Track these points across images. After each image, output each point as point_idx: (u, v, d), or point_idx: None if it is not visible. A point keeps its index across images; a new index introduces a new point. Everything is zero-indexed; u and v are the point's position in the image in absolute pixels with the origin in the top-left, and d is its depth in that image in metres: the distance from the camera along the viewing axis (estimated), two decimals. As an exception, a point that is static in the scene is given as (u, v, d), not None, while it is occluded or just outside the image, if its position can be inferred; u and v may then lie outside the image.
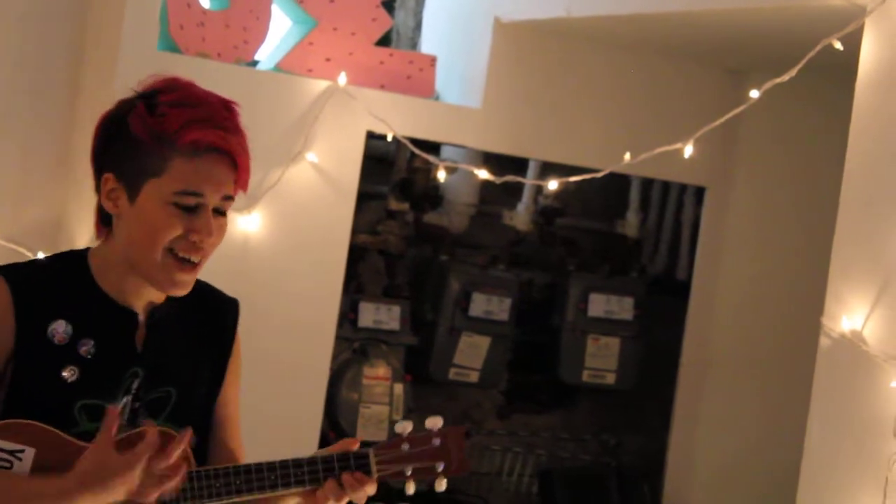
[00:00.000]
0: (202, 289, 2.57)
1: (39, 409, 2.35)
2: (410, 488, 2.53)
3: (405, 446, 2.51)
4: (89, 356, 2.40)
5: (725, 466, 5.87)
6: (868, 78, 3.62)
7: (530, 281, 6.19)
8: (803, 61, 3.77)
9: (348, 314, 5.60)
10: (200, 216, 2.43)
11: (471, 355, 5.85)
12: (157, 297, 2.49)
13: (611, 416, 6.33)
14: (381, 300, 5.76)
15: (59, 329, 2.39)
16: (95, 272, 2.46)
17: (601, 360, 6.05)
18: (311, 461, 2.48)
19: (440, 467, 2.51)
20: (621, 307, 6.06)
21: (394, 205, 5.88)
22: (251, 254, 5.00)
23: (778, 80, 3.86)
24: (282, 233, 5.05)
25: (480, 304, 5.83)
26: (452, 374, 5.85)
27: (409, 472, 2.50)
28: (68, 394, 2.38)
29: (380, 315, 5.70)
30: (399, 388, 5.60)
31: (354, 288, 5.75)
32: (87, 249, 2.50)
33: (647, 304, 6.10)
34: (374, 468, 2.48)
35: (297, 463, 2.47)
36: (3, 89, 4.90)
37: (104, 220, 2.48)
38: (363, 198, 5.42)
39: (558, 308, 6.11)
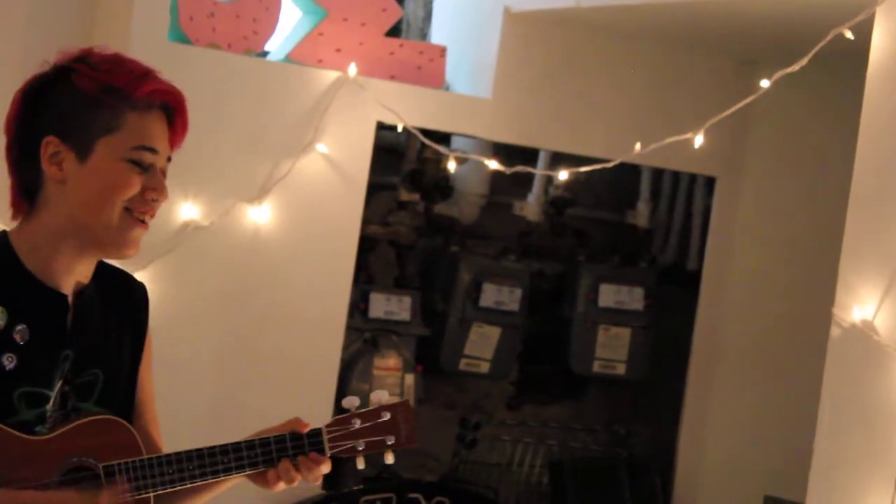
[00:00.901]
0: (114, 270, 2.52)
1: None
2: (361, 463, 2.52)
3: (356, 422, 2.50)
4: (23, 342, 2.33)
5: (736, 456, 5.86)
6: (879, 67, 3.62)
7: (541, 271, 6.19)
8: (814, 51, 3.76)
9: (359, 305, 5.61)
10: (154, 174, 2.39)
11: (481, 346, 5.85)
12: (84, 275, 2.43)
13: (621, 406, 6.33)
14: (392, 291, 5.76)
15: None
16: (21, 254, 2.37)
17: (611, 350, 6.05)
18: (264, 442, 2.46)
19: (390, 441, 2.51)
20: (632, 297, 6.06)
21: (404, 195, 5.88)
22: (261, 245, 5.01)
23: (788, 70, 3.85)
24: (292, 224, 5.05)
25: (491, 295, 5.83)
26: (463, 364, 5.85)
27: (361, 448, 2.50)
28: (7, 381, 2.31)
29: (390, 306, 5.70)
30: (410, 379, 5.60)
31: (365, 278, 5.75)
32: (4, 232, 2.41)
33: (657, 294, 6.09)
34: (327, 446, 2.48)
35: (250, 445, 2.45)
36: (12, 80, 4.88)
37: (25, 196, 2.40)
38: (373, 188, 5.42)
39: (569, 298, 6.11)
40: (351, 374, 5.50)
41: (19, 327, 2.33)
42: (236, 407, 4.85)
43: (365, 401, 2.53)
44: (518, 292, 5.86)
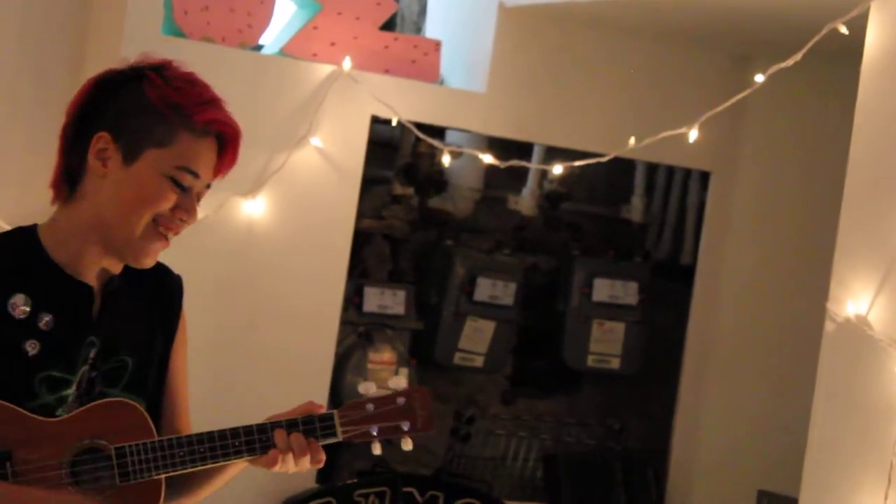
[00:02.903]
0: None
1: (1, 383, 2.35)
2: (377, 449, 2.52)
3: (369, 406, 2.50)
4: (48, 329, 2.39)
5: (730, 451, 5.87)
6: (873, 62, 3.62)
7: (535, 265, 6.18)
8: (808, 46, 3.76)
9: (353, 299, 5.61)
10: (189, 197, 2.44)
11: (476, 340, 5.85)
12: (113, 266, 2.48)
13: (615, 400, 6.33)
14: (386, 285, 5.76)
15: (19, 303, 2.39)
16: (48, 245, 2.44)
17: (606, 344, 6.05)
18: (276, 425, 2.47)
19: (406, 426, 2.51)
20: (626, 292, 6.06)
21: (398, 189, 5.88)
22: (256, 238, 5.01)
23: (783, 65, 3.86)
24: (286, 217, 5.06)
25: (485, 289, 5.83)
26: (457, 358, 5.85)
27: (374, 432, 2.50)
28: (29, 367, 2.37)
29: (385, 300, 5.70)
30: (404, 373, 5.60)
31: (359, 272, 5.75)
32: (35, 226, 2.47)
33: (651, 288, 6.10)
34: (339, 430, 2.48)
35: (262, 428, 2.47)
36: (7, 74, 4.90)
37: (66, 181, 2.46)
38: (368, 182, 5.42)
39: (563, 293, 6.10)
40: (345, 368, 5.50)
41: (44, 316, 2.39)
42: (230, 400, 4.85)
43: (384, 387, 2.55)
44: (512, 286, 5.86)
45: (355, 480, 5.42)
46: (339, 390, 5.41)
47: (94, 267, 2.46)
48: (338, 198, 5.15)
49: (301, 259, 5.10)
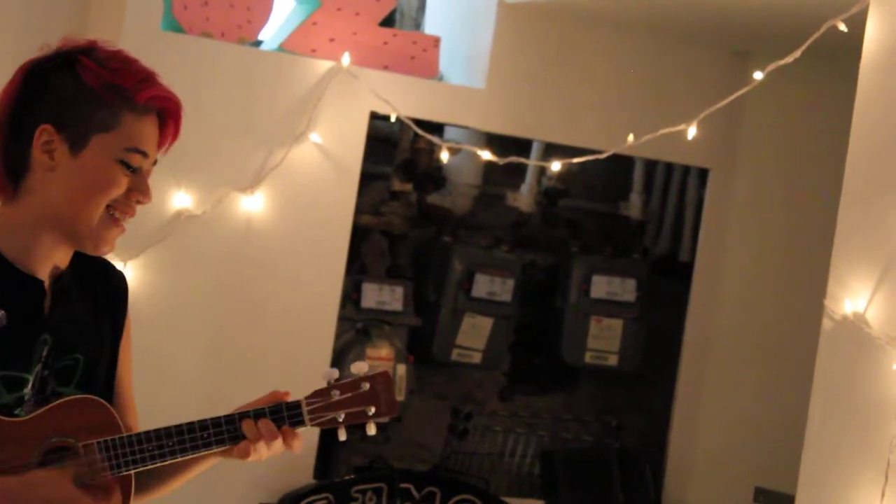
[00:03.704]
0: (93, 258, 2.50)
1: None
2: (342, 435, 2.52)
3: (335, 393, 2.50)
4: (1, 327, 2.33)
5: (727, 448, 5.87)
6: (872, 60, 3.62)
7: (533, 262, 6.19)
8: (807, 43, 3.76)
9: (351, 295, 5.61)
10: (141, 177, 2.41)
11: (473, 336, 5.85)
12: (62, 260, 2.44)
13: (613, 397, 6.33)
14: (384, 281, 5.76)
15: None
16: None
17: (604, 341, 6.05)
18: (244, 416, 2.46)
19: (371, 411, 2.51)
20: (624, 289, 6.06)
21: (397, 185, 5.88)
22: (254, 234, 5.01)
23: (782, 62, 3.85)
24: (285, 213, 5.06)
25: (483, 285, 5.83)
26: (455, 354, 5.85)
27: (341, 419, 2.50)
28: None
29: (383, 296, 5.70)
30: (402, 369, 5.60)
31: (357, 268, 5.75)
32: None
33: (649, 285, 6.10)
34: (307, 417, 2.48)
35: (229, 419, 2.45)
36: (6, 70, 4.89)
37: (9, 177, 2.39)
38: (366, 178, 5.41)
39: (561, 289, 6.11)
40: (343, 363, 5.50)
41: None
42: (228, 395, 4.81)
43: (346, 373, 2.54)
44: (510, 283, 5.86)
45: (352, 476, 5.42)
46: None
47: (46, 261, 2.41)
48: (336, 194, 5.15)
49: (299, 255, 5.10)
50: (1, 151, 2.40)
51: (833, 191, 3.77)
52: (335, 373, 2.52)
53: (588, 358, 6.06)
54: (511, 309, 5.89)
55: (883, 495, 3.34)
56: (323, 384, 2.53)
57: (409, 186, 5.91)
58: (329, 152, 5.10)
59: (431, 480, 5.55)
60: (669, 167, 6.28)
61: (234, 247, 5.02)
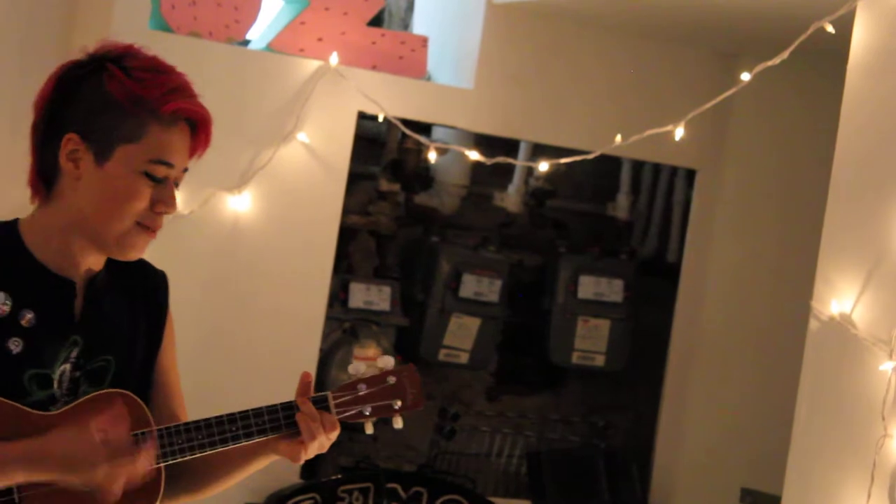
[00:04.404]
0: (136, 261, 2.53)
1: None
2: (369, 428, 2.55)
3: (361, 386, 2.53)
4: (30, 326, 2.37)
5: (714, 448, 5.88)
6: (859, 61, 3.62)
7: (520, 262, 6.19)
8: (795, 44, 3.77)
9: (339, 294, 5.60)
10: (166, 187, 2.42)
11: (461, 336, 5.85)
12: (96, 263, 2.46)
13: (600, 397, 6.34)
14: (372, 281, 5.76)
15: (0, 301, 2.37)
16: (29, 242, 2.41)
17: (591, 341, 6.06)
18: (271, 409, 2.48)
19: (397, 405, 2.54)
20: (611, 289, 6.07)
21: (385, 185, 5.88)
22: (241, 234, 5.00)
23: (769, 63, 3.86)
24: (272, 213, 5.05)
25: (471, 286, 5.83)
26: (442, 355, 5.85)
27: (367, 412, 2.52)
28: (15, 365, 2.36)
29: (370, 296, 5.70)
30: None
31: (345, 268, 5.75)
32: (15, 220, 2.45)
33: (636, 286, 6.10)
34: (333, 410, 2.51)
35: (258, 412, 2.47)
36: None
37: (44, 181, 2.42)
38: (354, 178, 5.41)
39: (548, 290, 6.11)
40: (330, 363, 5.50)
41: (25, 313, 2.37)
42: (215, 396, 4.82)
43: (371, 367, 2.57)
44: (498, 283, 5.87)
45: (339, 476, 5.42)
46: (324, 386, 5.41)
47: (77, 264, 2.43)
48: (324, 193, 5.15)
49: (287, 255, 5.09)
50: (34, 155, 2.43)
51: (820, 192, 3.77)
52: (361, 366, 2.55)
53: (575, 358, 6.06)
54: (498, 309, 5.89)
55: (869, 496, 3.34)
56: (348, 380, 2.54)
57: (396, 186, 5.91)
58: (317, 152, 5.10)
59: (418, 480, 5.55)
60: (657, 168, 6.29)
61: (222, 247, 5.01)
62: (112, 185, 2.37)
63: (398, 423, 2.56)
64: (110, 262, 2.49)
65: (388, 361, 2.56)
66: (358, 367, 2.55)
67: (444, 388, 6.11)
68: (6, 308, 2.36)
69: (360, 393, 2.53)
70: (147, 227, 2.41)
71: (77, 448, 2.31)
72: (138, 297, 2.55)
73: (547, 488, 5.96)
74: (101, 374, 2.45)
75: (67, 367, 2.41)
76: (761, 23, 4.93)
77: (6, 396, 2.34)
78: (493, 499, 5.74)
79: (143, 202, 2.39)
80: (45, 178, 2.42)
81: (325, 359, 5.47)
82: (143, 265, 2.57)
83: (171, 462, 2.43)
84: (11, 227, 2.44)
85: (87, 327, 2.44)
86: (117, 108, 2.37)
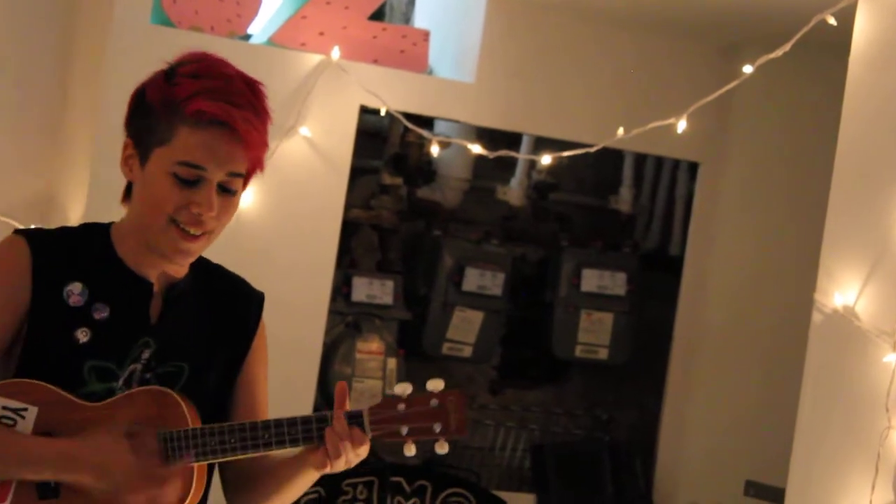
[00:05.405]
0: (227, 275, 2.65)
1: (51, 368, 2.40)
2: (410, 450, 2.46)
3: (401, 406, 2.46)
4: (102, 319, 2.43)
5: (717, 441, 5.88)
6: (861, 53, 3.62)
7: (523, 256, 6.19)
8: (797, 36, 3.76)
9: (342, 288, 5.61)
10: (202, 190, 2.43)
11: (464, 330, 5.86)
12: (174, 269, 2.52)
13: (603, 391, 6.34)
14: (375, 275, 5.77)
15: (75, 291, 2.43)
16: (115, 241, 2.49)
17: (594, 335, 6.06)
18: (305, 419, 2.47)
19: (437, 428, 2.44)
20: (614, 282, 6.06)
21: (387, 179, 5.88)
22: (244, 228, 5.00)
23: (771, 56, 3.86)
24: (275, 207, 5.05)
25: (473, 279, 5.83)
26: (445, 348, 5.85)
27: (404, 432, 2.45)
28: (79, 354, 2.42)
29: (373, 289, 5.70)
30: (392, 363, 5.60)
31: (348, 262, 5.75)
32: (111, 222, 2.54)
33: (639, 279, 6.10)
34: (368, 427, 2.45)
35: (291, 421, 2.46)
36: (-5, 63, 4.88)
37: (129, 188, 2.52)
38: (356, 172, 5.41)
39: (551, 283, 6.11)
40: (333, 357, 5.50)
41: (100, 307, 2.44)
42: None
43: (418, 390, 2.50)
44: (501, 277, 5.87)
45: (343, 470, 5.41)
46: (326, 380, 5.41)
47: (152, 265, 2.49)
48: (326, 187, 5.14)
49: (289, 249, 5.09)
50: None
51: (822, 184, 3.77)
52: (409, 387, 2.47)
53: (578, 352, 6.06)
54: (501, 303, 5.90)
55: (873, 488, 3.34)
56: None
57: (399, 180, 5.91)
58: (319, 146, 5.09)
59: (422, 474, 5.55)
60: (659, 161, 6.29)
61: (224, 241, 4.98)
62: (149, 187, 2.43)
63: (442, 448, 2.45)
64: (197, 274, 2.56)
65: (438, 384, 2.47)
66: (405, 388, 2.47)
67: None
68: (81, 299, 2.43)
69: (399, 412, 2.45)
70: (186, 230, 2.44)
71: (109, 460, 2.36)
72: (224, 310, 2.60)
73: (551, 482, 5.96)
74: (173, 378, 2.49)
75: (138, 367, 2.46)
76: (763, 15, 4.92)
77: (64, 383, 2.40)
78: (496, 492, 5.74)
79: (171, 203, 2.41)
80: (129, 186, 2.52)
81: (328, 353, 5.47)
82: (236, 281, 2.66)
83: (203, 462, 2.43)
84: (106, 227, 2.53)
85: (161, 331, 2.49)
86: (152, 112, 2.42)
